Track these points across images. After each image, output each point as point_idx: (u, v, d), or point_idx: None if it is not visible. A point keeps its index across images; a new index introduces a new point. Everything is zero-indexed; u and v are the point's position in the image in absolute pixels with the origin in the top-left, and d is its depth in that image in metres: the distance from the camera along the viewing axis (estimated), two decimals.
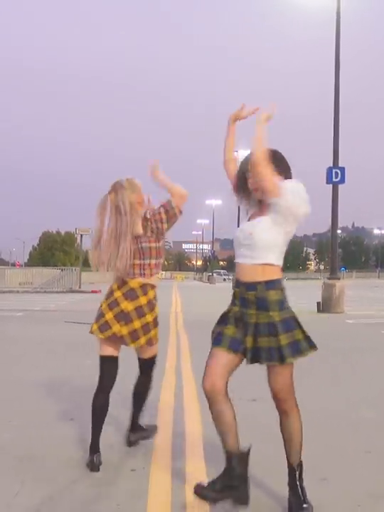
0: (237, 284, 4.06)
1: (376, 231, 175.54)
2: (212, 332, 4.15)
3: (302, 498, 3.97)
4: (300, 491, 4.00)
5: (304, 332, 3.97)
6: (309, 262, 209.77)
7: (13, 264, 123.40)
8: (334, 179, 22.68)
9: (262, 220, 3.94)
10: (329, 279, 22.93)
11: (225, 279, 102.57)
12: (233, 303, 4.11)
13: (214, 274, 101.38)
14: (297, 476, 4.04)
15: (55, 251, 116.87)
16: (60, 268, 52.52)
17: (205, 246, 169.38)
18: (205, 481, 4.17)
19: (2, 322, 17.57)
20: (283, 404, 3.96)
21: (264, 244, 3.90)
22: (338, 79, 23.37)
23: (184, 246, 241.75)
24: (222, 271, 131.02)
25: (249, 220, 4.12)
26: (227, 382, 3.94)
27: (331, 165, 22.87)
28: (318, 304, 22.48)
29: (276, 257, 3.96)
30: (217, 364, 3.95)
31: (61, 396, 7.44)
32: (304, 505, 3.95)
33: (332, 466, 4.90)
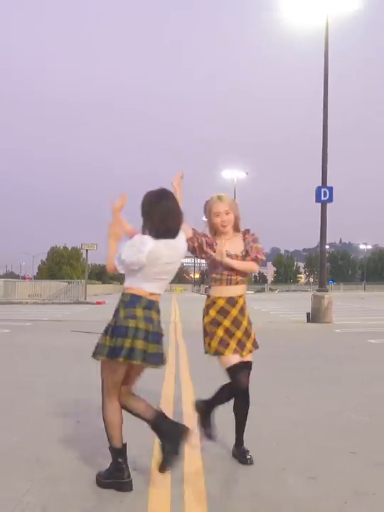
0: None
1: (362, 246, 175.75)
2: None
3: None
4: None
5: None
6: (300, 275, 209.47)
7: (23, 278, 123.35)
8: (323, 198, 22.75)
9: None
10: (318, 291, 22.93)
11: None
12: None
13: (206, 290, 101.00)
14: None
15: (62, 265, 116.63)
16: (66, 281, 52.49)
17: (202, 260, 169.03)
18: (203, 488, 4.16)
19: (12, 331, 17.54)
20: None
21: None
22: (327, 105, 23.45)
23: (182, 260, 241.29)
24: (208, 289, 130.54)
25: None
26: None
27: (320, 185, 22.96)
28: (307, 314, 22.47)
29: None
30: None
31: (68, 401, 7.43)
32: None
33: (320, 466, 4.90)
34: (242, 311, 5.06)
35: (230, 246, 5.03)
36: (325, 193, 22.75)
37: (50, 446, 5.42)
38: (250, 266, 5.06)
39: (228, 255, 4.98)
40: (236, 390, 4.98)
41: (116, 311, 4.37)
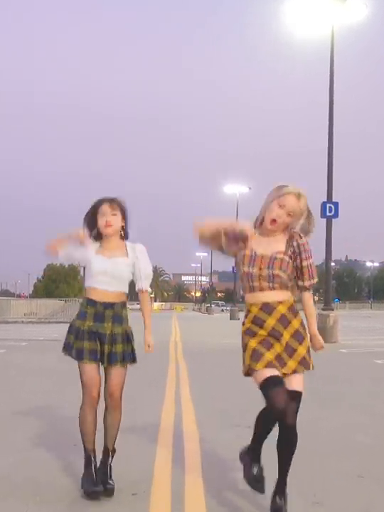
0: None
1: (368, 263, 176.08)
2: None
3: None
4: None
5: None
6: None
7: (19, 296, 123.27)
8: (328, 213, 22.78)
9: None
10: (323, 309, 22.91)
11: (223, 310, 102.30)
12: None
13: (212, 305, 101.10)
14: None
15: (59, 283, 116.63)
16: (63, 299, 52.43)
17: (204, 278, 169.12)
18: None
19: (8, 351, 17.54)
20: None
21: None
22: (332, 119, 23.59)
23: (183, 278, 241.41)
24: (220, 302, 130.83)
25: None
26: None
27: (325, 199, 22.99)
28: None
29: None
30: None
31: (64, 422, 7.42)
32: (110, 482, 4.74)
33: (325, 490, 4.89)
34: (282, 320, 4.21)
35: (264, 243, 4.31)
36: (330, 208, 22.78)
37: (47, 469, 5.42)
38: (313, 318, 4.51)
39: (251, 256, 4.27)
40: (272, 414, 4.15)
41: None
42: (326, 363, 15.03)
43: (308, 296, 4.48)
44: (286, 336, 4.19)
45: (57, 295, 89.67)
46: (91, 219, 4.90)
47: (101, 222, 4.84)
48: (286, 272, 4.23)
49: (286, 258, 4.24)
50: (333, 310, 23.30)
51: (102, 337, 4.78)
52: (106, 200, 4.90)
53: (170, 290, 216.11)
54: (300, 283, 4.35)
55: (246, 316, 4.34)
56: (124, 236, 4.99)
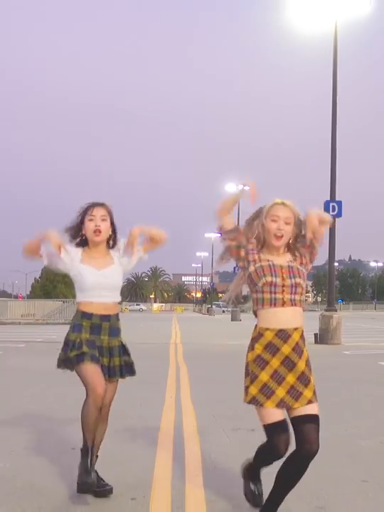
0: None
1: (372, 264, 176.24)
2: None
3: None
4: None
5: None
6: (307, 294, 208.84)
7: (16, 297, 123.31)
8: (331, 212, 22.71)
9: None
10: (326, 310, 22.90)
11: (224, 311, 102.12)
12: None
13: (213, 306, 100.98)
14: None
15: (56, 283, 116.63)
16: (61, 300, 52.39)
17: (205, 278, 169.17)
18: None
19: (5, 353, 17.54)
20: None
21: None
22: (335, 117, 23.54)
23: (184, 278, 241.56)
24: (221, 303, 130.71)
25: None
26: None
27: (328, 198, 22.98)
28: (315, 335, 22.43)
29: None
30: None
31: (62, 426, 7.42)
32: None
33: (329, 494, 4.88)
34: (297, 348, 4.13)
35: (275, 257, 4.25)
36: (333, 207, 22.75)
37: (44, 474, 5.41)
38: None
39: (271, 265, 4.17)
40: (272, 456, 4.12)
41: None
42: (329, 365, 15.02)
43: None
44: (301, 366, 4.11)
45: (55, 296, 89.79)
46: (77, 225, 4.77)
47: (89, 226, 4.69)
48: (306, 280, 4.22)
49: (301, 267, 4.23)
50: (336, 311, 23.29)
51: (99, 349, 4.71)
52: (96, 204, 4.77)
53: (170, 291, 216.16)
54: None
55: (256, 340, 4.16)
56: (112, 246, 4.87)
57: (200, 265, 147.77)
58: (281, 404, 4.00)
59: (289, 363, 4.07)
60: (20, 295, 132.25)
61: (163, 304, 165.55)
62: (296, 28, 28.21)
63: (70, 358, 4.67)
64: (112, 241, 4.85)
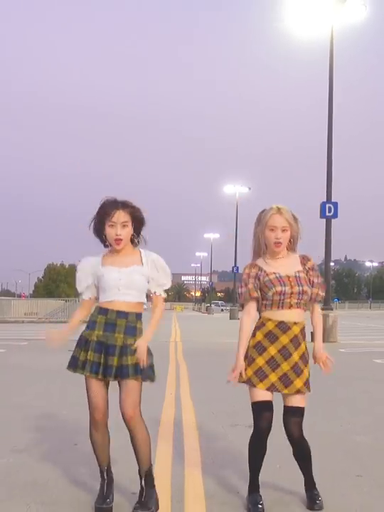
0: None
1: (368, 263, 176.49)
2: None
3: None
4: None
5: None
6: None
7: (19, 296, 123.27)
8: (327, 214, 22.78)
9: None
10: (323, 309, 22.91)
11: (222, 310, 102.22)
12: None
13: (212, 305, 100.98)
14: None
15: (59, 283, 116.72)
16: (64, 299, 52.35)
17: (204, 278, 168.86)
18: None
19: (8, 351, 17.54)
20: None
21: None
22: (331, 120, 23.56)
23: (183, 278, 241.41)
24: (219, 302, 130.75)
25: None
26: None
27: (325, 200, 22.99)
28: (312, 333, 22.39)
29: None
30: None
31: (64, 422, 7.43)
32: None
33: (325, 488, 4.88)
34: (295, 341, 4.47)
35: (282, 265, 4.52)
36: (330, 208, 22.78)
37: (47, 469, 5.42)
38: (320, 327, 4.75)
39: (278, 277, 4.47)
40: (256, 435, 4.51)
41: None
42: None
43: (318, 308, 4.74)
44: (295, 357, 4.45)
45: (58, 295, 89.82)
46: (99, 226, 4.46)
47: (110, 234, 4.39)
48: (310, 288, 4.49)
49: (306, 276, 4.52)
50: (332, 310, 23.30)
51: (110, 348, 4.35)
52: (117, 207, 4.39)
53: (170, 290, 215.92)
54: (314, 296, 4.55)
55: (258, 328, 4.51)
56: (137, 243, 4.56)
57: (199, 265, 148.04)
58: (271, 388, 4.39)
59: (285, 352, 4.43)
60: (23, 294, 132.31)
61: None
62: (293, 32, 28.17)
63: (76, 357, 4.54)
64: (135, 239, 4.54)
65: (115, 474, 4.71)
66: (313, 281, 4.52)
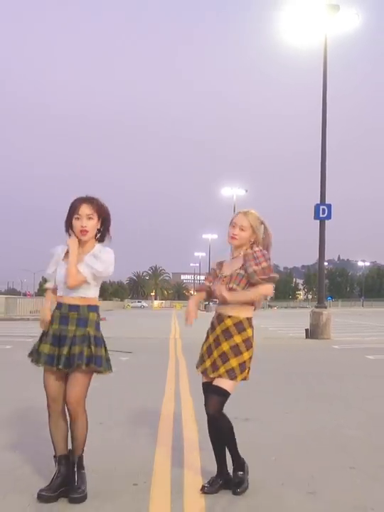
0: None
1: (360, 263, 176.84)
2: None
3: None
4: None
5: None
6: (298, 292, 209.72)
7: (25, 294, 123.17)
8: (321, 215, 22.80)
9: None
10: (317, 307, 22.92)
11: None
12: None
13: (210, 303, 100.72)
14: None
15: None
16: None
17: (202, 277, 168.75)
18: (203, 505, 4.16)
19: (14, 347, 17.53)
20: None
21: None
22: (325, 124, 23.56)
23: (182, 277, 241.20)
24: (217, 300, 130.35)
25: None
26: None
27: (319, 202, 23.01)
28: (306, 330, 22.46)
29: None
30: None
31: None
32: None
33: (319, 481, 4.90)
34: (226, 333, 4.62)
35: (230, 264, 4.80)
36: (324, 210, 22.81)
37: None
38: (256, 293, 4.63)
39: (220, 277, 4.79)
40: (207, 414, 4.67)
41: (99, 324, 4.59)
42: (319, 359, 15.04)
43: (263, 286, 4.65)
44: (224, 347, 4.61)
45: None
46: (67, 223, 4.53)
47: (76, 226, 4.45)
48: (240, 285, 4.64)
49: (242, 272, 4.65)
50: (326, 308, 23.30)
51: (63, 340, 4.41)
52: (84, 201, 4.47)
53: (170, 289, 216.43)
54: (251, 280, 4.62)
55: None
56: (100, 239, 4.59)
57: (198, 265, 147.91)
58: (204, 372, 4.70)
59: (217, 342, 4.66)
60: (28, 293, 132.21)
61: (163, 301, 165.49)
62: (288, 41, 28.11)
63: (36, 348, 4.56)
64: (99, 235, 4.56)
65: (112, 466, 4.71)
66: (252, 269, 4.59)
